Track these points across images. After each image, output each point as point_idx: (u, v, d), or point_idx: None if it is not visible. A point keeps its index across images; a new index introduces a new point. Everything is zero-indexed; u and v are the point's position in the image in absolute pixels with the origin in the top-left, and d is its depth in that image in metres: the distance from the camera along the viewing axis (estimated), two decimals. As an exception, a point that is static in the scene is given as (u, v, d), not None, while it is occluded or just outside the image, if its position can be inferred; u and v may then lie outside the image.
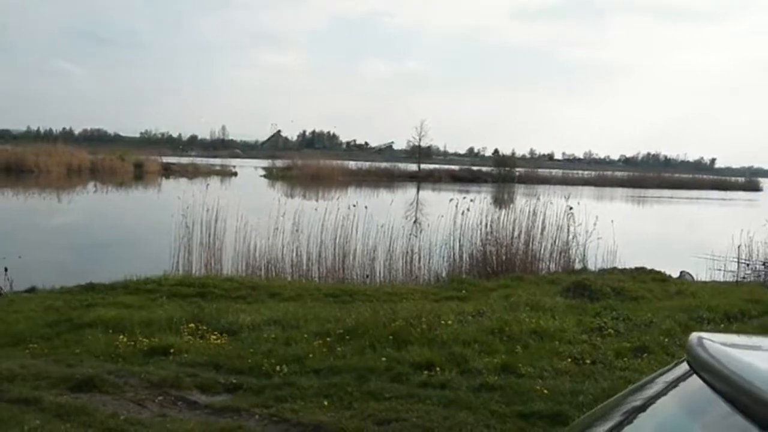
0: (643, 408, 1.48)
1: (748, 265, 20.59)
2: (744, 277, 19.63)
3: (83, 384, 6.83)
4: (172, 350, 7.99)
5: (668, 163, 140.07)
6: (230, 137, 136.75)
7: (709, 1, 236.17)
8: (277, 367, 7.40)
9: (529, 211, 19.06)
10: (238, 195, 22.64)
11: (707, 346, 1.35)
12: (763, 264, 20.46)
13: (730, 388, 1.17)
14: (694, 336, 1.44)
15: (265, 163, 78.69)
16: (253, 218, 17.59)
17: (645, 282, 15.49)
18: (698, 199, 68.42)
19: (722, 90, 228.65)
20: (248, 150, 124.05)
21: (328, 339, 8.38)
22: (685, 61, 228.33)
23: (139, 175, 60.25)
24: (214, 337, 8.66)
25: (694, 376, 1.33)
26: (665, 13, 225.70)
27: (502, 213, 19.98)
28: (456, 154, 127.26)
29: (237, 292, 12.82)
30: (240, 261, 16.71)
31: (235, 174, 68.62)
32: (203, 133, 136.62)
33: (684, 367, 1.42)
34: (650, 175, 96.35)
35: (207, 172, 62.49)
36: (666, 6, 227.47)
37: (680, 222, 42.13)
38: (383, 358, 7.70)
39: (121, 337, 8.51)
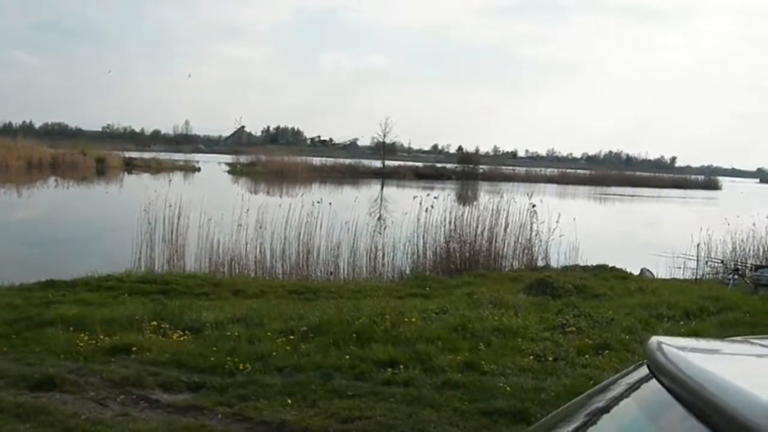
0: (604, 410, 1.50)
1: (707, 262, 20.89)
2: (703, 275, 19.91)
3: (43, 383, 6.74)
4: (134, 348, 7.91)
5: (630, 162, 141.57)
6: (194, 132, 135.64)
7: (672, 2, 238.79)
8: (241, 366, 7.36)
9: (492, 209, 19.18)
10: (202, 191, 22.46)
11: (666, 351, 1.38)
12: (722, 262, 20.76)
13: (686, 393, 1.19)
14: (654, 340, 1.47)
15: (229, 158, 78.17)
16: (217, 214, 17.47)
17: (606, 279, 15.66)
18: (659, 197, 69.28)
19: (683, 90, 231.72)
20: (212, 145, 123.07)
21: (292, 337, 8.35)
22: (647, 61, 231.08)
23: (101, 170, 59.54)
24: (177, 335, 8.60)
25: (654, 379, 1.35)
26: (628, 12, 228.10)
27: (466, 210, 20.08)
28: (420, 151, 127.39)
29: (200, 289, 12.75)
30: (203, 257, 16.62)
31: (199, 169, 68.11)
32: (166, 128, 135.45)
33: (644, 370, 1.45)
34: (612, 173, 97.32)
35: (170, 168, 61.92)
36: (629, 5, 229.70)
37: (641, 220, 42.63)
38: (347, 356, 7.70)
39: (82, 335, 8.40)
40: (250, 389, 6.70)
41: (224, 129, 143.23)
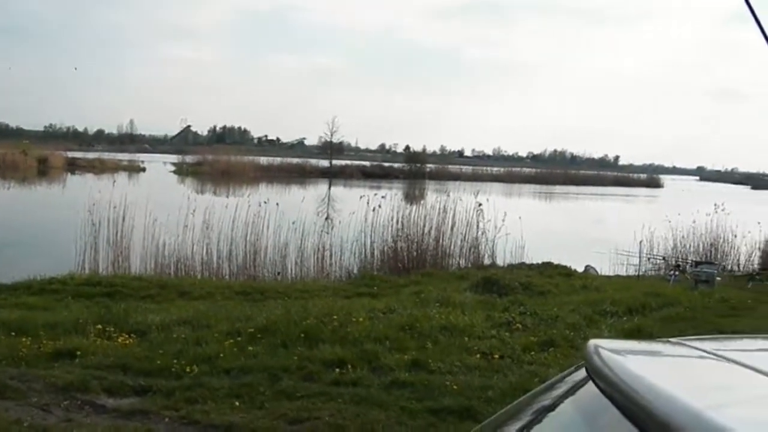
0: (547, 410, 1.55)
1: (649, 259, 21.32)
2: (645, 271, 20.33)
3: (-16, 390, 6.61)
4: (78, 353, 7.78)
5: (574, 160, 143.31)
6: (138, 132, 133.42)
7: (614, 5, 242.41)
8: (188, 368, 7.30)
9: (439, 208, 19.30)
10: (147, 191, 22.21)
11: (602, 354, 1.42)
12: (663, 258, 21.19)
13: (620, 396, 1.23)
14: (592, 343, 1.51)
15: (175, 158, 77.16)
16: (162, 215, 17.29)
17: (552, 277, 15.88)
18: (603, 195, 70.27)
19: (626, 90, 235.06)
20: (157, 145, 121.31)
21: (239, 338, 8.31)
22: (591, 63, 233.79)
23: (43, 171, 58.38)
24: (122, 338, 8.49)
25: (591, 382, 1.39)
26: (574, 15, 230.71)
27: (413, 209, 20.15)
28: (368, 150, 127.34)
29: (146, 291, 12.62)
30: (149, 259, 16.45)
31: (144, 169, 67.23)
32: (110, 128, 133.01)
33: (583, 371, 1.49)
34: (557, 171, 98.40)
35: (114, 168, 60.98)
36: (574, 9, 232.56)
37: (585, 218, 43.23)
38: (295, 357, 7.70)
39: (25, 339, 8.22)
40: (197, 392, 6.66)
41: (170, 128, 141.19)
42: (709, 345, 1.57)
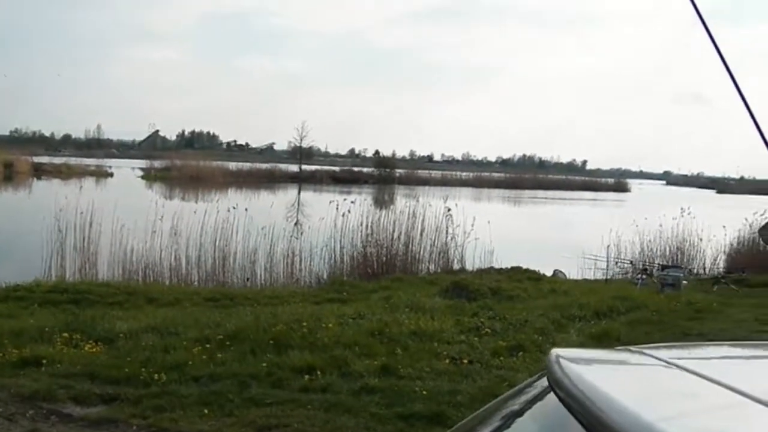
0: (507, 421, 1.57)
1: (616, 263, 21.53)
2: (613, 275, 20.51)
3: (-52, 399, 6.52)
4: (44, 361, 7.68)
5: (542, 165, 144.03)
6: (106, 136, 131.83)
7: (581, 10, 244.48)
8: (156, 376, 7.24)
9: (408, 213, 19.34)
10: (115, 197, 22.00)
11: (562, 365, 1.44)
12: (631, 262, 21.41)
13: (578, 406, 1.26)
14: (553, 353, 1.53)
15: (143, 163, 76.55)
16: (130, 221, 17.15)
17: (520, 281, 15.97)
18: (571, 199, 70.80)
19: (593, 95, 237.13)
20: (125, 150, 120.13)
21: (208, 345, 8.27)
22: (559, 67, 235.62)
23: (9, 176, 57.55)
24: (89, 345, 8.41)
25: (552, 393, 1.41)
26: (541, 20, 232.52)
27: (383, 215, 20.20)
28: (337, 155, 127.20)
29: (113, 297, 12.50)
30: (116, 265, 16.29)
31: (111, 175, 66.63)
32: (77, 132, 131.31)
33: (544, 382, 1.51)
34: (526, 176, 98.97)
35: (81, 173, 60.38)
36: (542, 13, 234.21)
37: (554, 222, 43.51)
38: (264, 364, 7.67)
39: (-11, 348, 8.15)
40: (165, 400, 6.62)
41: (138, 133, 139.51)
42: (667, 353, 1.60)
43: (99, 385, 7.08)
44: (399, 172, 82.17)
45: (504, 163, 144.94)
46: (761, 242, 21.51)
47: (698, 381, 1.36)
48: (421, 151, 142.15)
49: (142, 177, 66.94)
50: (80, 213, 17.08)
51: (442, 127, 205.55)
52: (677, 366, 1.48)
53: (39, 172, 62.12)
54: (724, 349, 2.05)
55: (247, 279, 16.55)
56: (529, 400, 1.57)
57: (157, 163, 73.16)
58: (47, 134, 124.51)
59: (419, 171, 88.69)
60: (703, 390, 1.33)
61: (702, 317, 12.20)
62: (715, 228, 23.16)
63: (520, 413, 1.57)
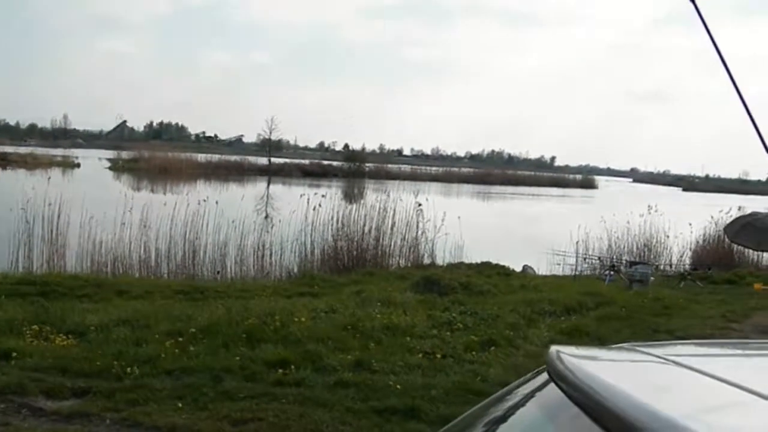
0: (508, 414, 1.62)
1: (585, 259, 21.73)
2: (582, 271, 20.71)
3: None
4: (14, 354, 7.57)
5: (511, 161, 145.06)
6: (73, 126, 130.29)
7: (548, 7, 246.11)
8: (128, 369, 7.19)
9: (379, 207, 19.35)
10: (82, 187, 21.81)
11: (563, 359, 1.50)
12: (599, 258, 21.62)
13: (581, 396, 1.31)
14: (554, 349, 1.59)
15: (111, 154, 75.82)
16: (99, 212, 16.97)
17: (490, 276, 16.06)
18: (539, 195, 71.24)
19: (562, 92, 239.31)
20: (92, 140, 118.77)
21: (180, 339, 8.22)
22: (528, 64, 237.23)
23: (-27, 166, 56.84)
24: (60, 339, 8.31)
25: (553, 385, 1.47)
26: (510, 17, 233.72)
27: (353, 208, 20.18)
28: (307, 149, 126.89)
29: (82, 290, 12.37)
30: (85, 257, 16.13)
31: (78, 165, 65.84)
32: (44, 122, 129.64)
33: (544, 376, 1.56)
34: (495, 171, 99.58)
35: (48, 163, 59.62)
36: (510, 11, 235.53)
37: (523, 217, 43.80)
38: (237, 357, 7.66)
39: (-44, 341, 8.03)
40: (138, 393, 6.58)
41: (105, 124, 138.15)
42: (660, 351, 1.67)
43: (71, 378, 7.02)
44: (368, 166, 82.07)
45: (473, 158, 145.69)
46: (726, 239, 21.81)
47: (695, 376, 1.42)
48: (391, 145, 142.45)
49: (110, 168, 66.27)
50: (48, 204, 16.86)
51: (411, 122, 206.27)
52: (672, 362, 1.54)
53: (4, 161, 61.21)
54: (711, 347, 2.13)
55: (218, 272, 16.48)
56: (528, 394, 1.62)
57: (125, 154, 72.51)
58: (12, 124, 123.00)
59: (389, 165, 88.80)
60: (697, 382, 1.40)
61: (669, 313, 12.36)
62: (682, 225, 23.48)
63: (520, 406, 1.62)
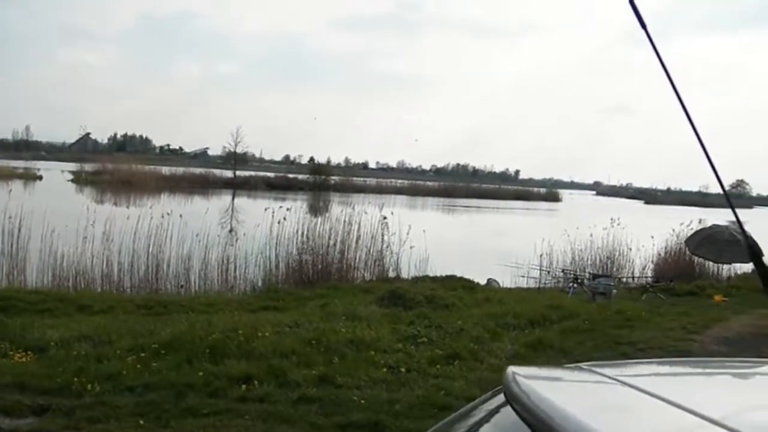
0: None
1: (548, 272, 21.88)
2: (545, 284, 20.86)
3: None
4: (-28, 371, 7.49)
5: (476, 174, 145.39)
6: (35, 138, 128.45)
7: (514, 21, 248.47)
8: (89, 386, 7.10)
9: (344, 220, 19.36)
10: (44, 200, 21.52)
11: (519, 381, 1.52)
12: (563, 271, 21.78)
13: (535, 420, 1.33)
14: (510, 371, 1.60)
15: (73, 166, 74.93)
16: (60, 226, 16.78)
17: (455, 289, 16.11)
18: (504, 208, 71.60)
19: (526, 106, 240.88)
20: (55, 152, 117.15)
21: (143, 354, 8.14)
22: (492, 77, 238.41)
23: (-69, 178, 55.82)
24: (19, 355, 8.20)
25: (509, 407, 1.48)
26: (476, 30, 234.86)
27: (318, 222, 20.19)
28: (272, 161, 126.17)
29: (43, 305, 12.21)
30: (46, 271, 15.92)
31: (40, 178, 64.98)
32: (4, 133, 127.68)
33: (501, 398, 1.58)
34: (460, 185, 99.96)
35: (8, 175, 58.56)
36: (477, 24, 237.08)
37: (487, 230, 43.98)
38: (200, 373, 7.60)
39: None
40: (99, 411, 6.50)
41: (68, 135, 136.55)
42: (613, 371, 1.71)
43: (30, 395, 6.90)
44: (334, 179, 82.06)
45: (438, 172, 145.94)
46: (687, 252, 22.10)
47: (645, 398, 1.45)
48: (356, 159, 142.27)
49: (73, 180, 65.54)
50: (8, 217, 16.62)
51: (377, 135, 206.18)
52: (625, 383, 1.57)
53: (-37, 174, 60.30)
54: (665, 367, 2.17)
55: (181, 286, 16.37)
56: (486, 416, 1.63)
57: (88, 167, 71.64)
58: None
59: (354, 178, 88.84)
60: (643, 404, 1.43)
61: (632, 326, 12.48)
62: (644, 238, 23.76)
63: (477, 427, 1.63)
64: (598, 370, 1.71)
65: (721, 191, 1.66)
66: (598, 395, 1.60)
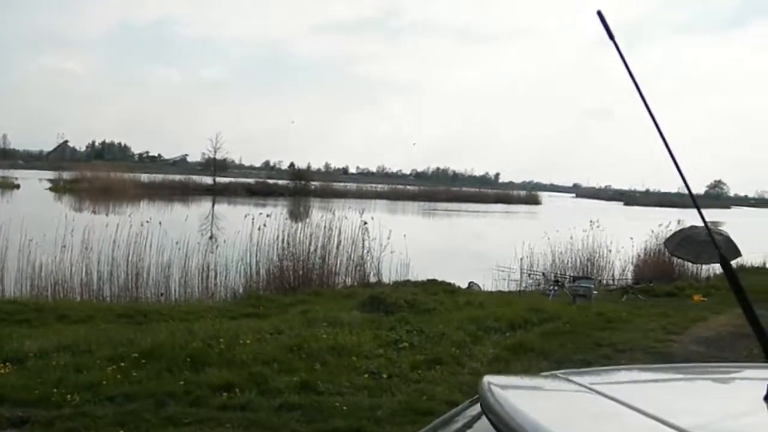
0: None
1: (529, 275, 21.99)
2: (526, 287, 20.95)
3: None
4: (-52, 383, 7.40)
5: (456, 178, 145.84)
6: (12, 147, 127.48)
7: (494, 26, 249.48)
8: (68, 397, 7.03)
9: (324, 226, 19.35)
10: (22, 209, 21.39)
11: (494, 391, 1.52)
12: (543, 274, 21.88)
13: (509, 431, 1.33)
14: (485, 380, 1.61)
15: (52, 174, 74.51)
16: (39, 235, 16.66)
17: (436, 294, 16.11)
18: (485, 212, 71.80)
19: (505, 110, 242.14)
20: (32, 161, 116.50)
21: (123, 364, 8.07)
22: (471, 82, 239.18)
23: None
24: (-3, 366, 8.13)
25: (485, 418, 1.49)
26: (456, 35, 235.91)
27: (299, 228, 20.16)
28: (252, 167, 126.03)
29: (21, 315, 12.12)
30: (24, 281, 15.81)
31: (18, 186, 64.58)
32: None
33: (478, 407, 1.58)
34: (440, 188, 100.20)
35: (-15, 185, 58.36)
36: (457, 29, 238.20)
37: (468, 234, 44.08)
38: (181, 382, 7.55)
39: None
40: (79, 421, 6.44)
41: (46, 144, 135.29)
42: (589, 379, 1.73)
43: (8, 407, 6.83)
44: (314, 184, 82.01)
45: (418, 176, 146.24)
46: (666, 253, 22.24)
47: (617, 407, 1.46)
48: (336, 164, 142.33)
49: (51, 189, 65.14)
50: (-15, 227, 16.51)
51: (357, 140, 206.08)
52: (598, 392, 1.59)
53: (-60, 183, 59.80)
54: (642, 374, 2.20)
55: (161, 294, 16.29)
56: (462, 427, 1.63)
57: (66, 175, 71.33)
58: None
59: (335, 183, 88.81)
60: (617, 414, 1.43)
61: (613, 327, 12.52)
62: (623, 239, 23.91)
63: None
64: (574, 378, 1.72)
65: (691, 193, 1.68)
66: (571, 406, 1.61)
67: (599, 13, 1.54)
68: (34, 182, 70.18)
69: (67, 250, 16.47)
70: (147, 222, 18.08)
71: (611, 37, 1.53)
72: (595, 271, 22.71)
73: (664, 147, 1.56)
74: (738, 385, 1.91)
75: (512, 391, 1.59)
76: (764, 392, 1.40)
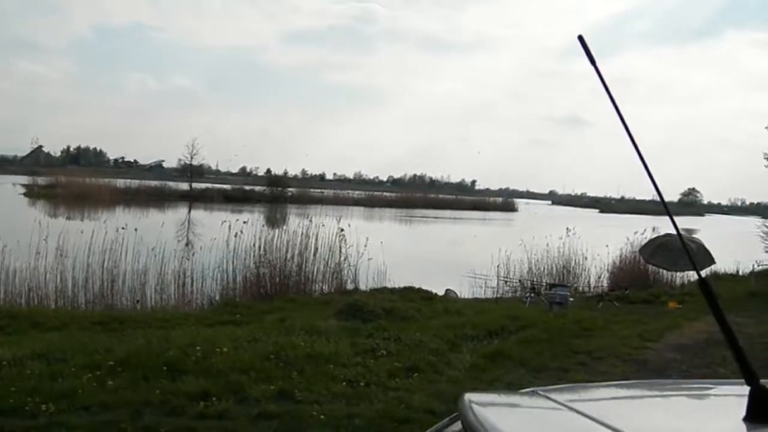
0: None
1: (506, 282, 22.05)
2: (503, 294, 21.01)
3: None
4: None
5: (433, 185, 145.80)
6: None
7: (467, 33, 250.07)
8: (43, 406, 6.93)
9: (301, 233, 19.33)
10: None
11: (474, 409, 1.54)
12: (519, 281, 21.95)
13: None
14: (466, 398, 1.62)
15: (26, 179, 73.85)
16: (12, 241, 16.50)
17: (414, 301, 16.13)
18: (461, 219, 71.93)
19: (482, 117, 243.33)
20: (6, 166, 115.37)
21: (98, 372, 8.00)
22: (448, 89, 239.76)
23: None
24: (-30, 375, 8.02)
25: None
26: (429, 44, 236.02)
27: (276, 234, 20.12)
28: (229, 173, 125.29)
29: (-6, 322, 11.99)
30: (-3, 288, 15.63)
31: (-9, 191, 64.04)
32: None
33: (459, 424, 1.59)
34: (417, 195, 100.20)
35: (-43, 191, 57.72)
36: (429, 38, 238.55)
37: (445, 241, 44.15)
38: (158, 390, 7.48)
39: None
40: (54, 431, 6.38)
41: (20, 149, 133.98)
42: (567, 396, 1.75)
43: (-19, 417, 6.76)
44: (291, 191, 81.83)
45: (395, 183, 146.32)
46: (642, 260, 22.41)
47: (592, 426, 1.47)
48: (313, 170, 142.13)
49: (25, 194, 64.52)
50: (-42, 232, 16.33)
51: (333, 146, 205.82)
52: (574, 410, 1.61)
53: None
54: (619, 391, 2.23)
55: (137, 301, 16.15)
56: None
57: (40, 180, 70.74)
58: None
59: (311, 190, 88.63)
60: (589, 429, 1.45)
61: (589, 335, 12.58)
62: (599, 247, 24.06)
63: None
64: (553, 396, 1.74)
65: (666, 201, 1.71)
66: (549, 424, 1.63)
67: (580, 38, 1.56)
68: (7, 187, 69.53)
69: (41, 256, 16.33)
70: (123, 228, 17.96)
71: (592, 62, 1.56)
72: (571, 278, 22.82)
73: (637, 156, 1.58)
74: (715, 403, 1.93)
75: (492, 409, 1.62)
76: (742, 412, 1.39)
